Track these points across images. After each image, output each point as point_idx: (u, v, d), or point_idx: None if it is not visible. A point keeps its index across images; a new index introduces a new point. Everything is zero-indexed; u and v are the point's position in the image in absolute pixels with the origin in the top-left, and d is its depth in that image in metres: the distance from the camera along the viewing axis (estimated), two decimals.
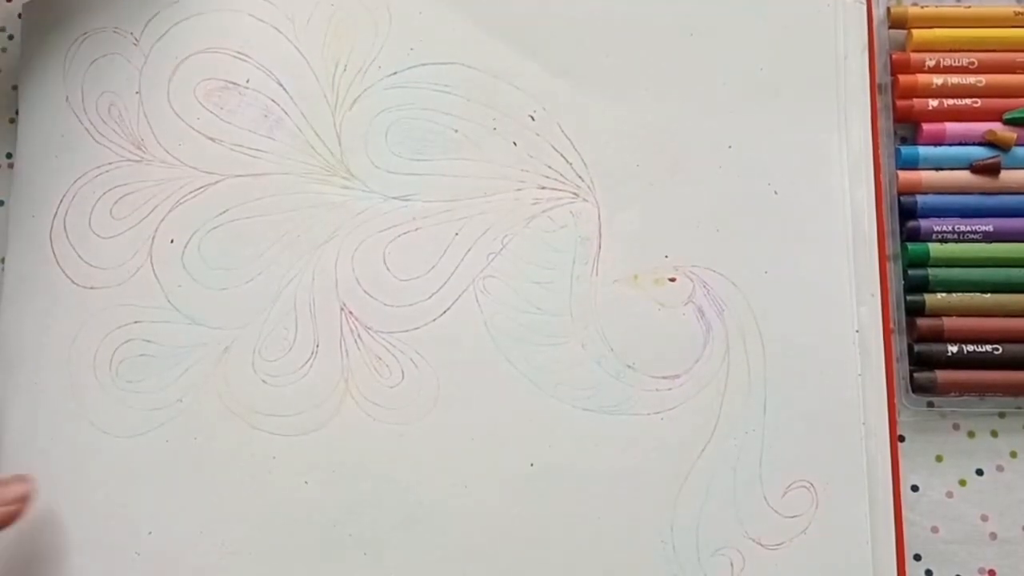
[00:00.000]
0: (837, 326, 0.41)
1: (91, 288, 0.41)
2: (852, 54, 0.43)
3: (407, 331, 0.40)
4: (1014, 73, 0.47)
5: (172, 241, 0.41)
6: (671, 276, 0.41)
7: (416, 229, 0.41)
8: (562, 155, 0.42)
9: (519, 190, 0.42)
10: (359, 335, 0.40)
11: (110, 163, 0.41)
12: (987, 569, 0.43)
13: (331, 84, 0.42)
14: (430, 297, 0.41)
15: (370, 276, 0.41)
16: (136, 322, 0.40)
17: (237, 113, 0.42)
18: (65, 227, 0.41)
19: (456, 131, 0.42)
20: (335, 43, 0.42)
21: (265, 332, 0.40)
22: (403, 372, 0.40)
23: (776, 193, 0.42)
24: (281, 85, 0.42)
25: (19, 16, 0.44)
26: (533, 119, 0.42)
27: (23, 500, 0.37)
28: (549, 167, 0.42)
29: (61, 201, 0.41)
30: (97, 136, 0.42)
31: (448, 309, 0.41)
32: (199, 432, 0.40)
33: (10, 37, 0.45)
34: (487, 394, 0.40)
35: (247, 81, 0.42)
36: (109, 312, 0.40)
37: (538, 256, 0.41)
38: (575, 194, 0.42)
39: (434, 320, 0.41)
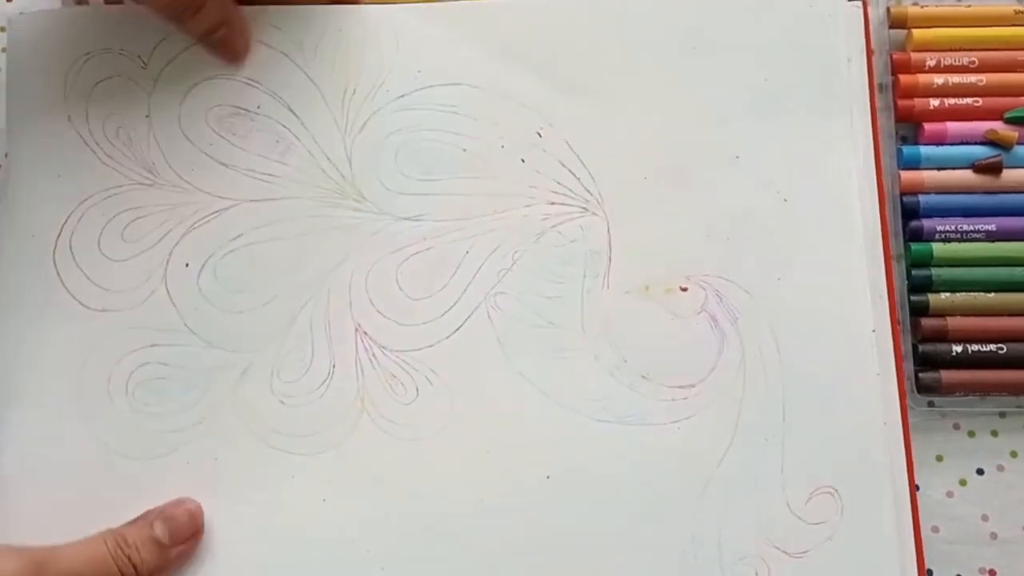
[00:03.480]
0: (854, 327, 0.42)
1: (103, 311, 0.40)
2: (855, 57, 0.44)
3: (421, 349, 0.41)
4: (1015, 72, 0.48)
5: (187, 265, 0.41)
6: (683, 285, 0.42)
7: (427, 249, 0.42)
8: (570, 170, 0.43)
9: (528, 206, 0.43)
10: (374, 354, 0.41)
11: (119, 186, 0.41)
12: (987, 569, 0.44)
13: (341, 108, 0.43)
14: (443, 315, 0.41)
15: (383, 296, 0.41)
16: (153, 345, 0.40)
17: (249, 139, 0.42)
18: (71, 249, 0.41)
19: (464, 150, 0.43)
20: (344, 68, 0.43)
21: (282, 354, 0.41)
22: (418, 389, 0.41)
23: (786, 200, 0.43)
24: (291, 111, 0.42)
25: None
26: (540, 136, 0.43)
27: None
28: (557, 182, 0.43)
29: (66, 222, 0.41)
30: (104, 158, 0.42)
31: (461, 326, 0.41)
32: (218, 453, 0.40)
33: None
34: (501, 408, 0.41)
35: (258, 107, 0.42)
36: (123, 335, 0.40)
37: (549, 271, 0.42)
38: (584, 208, 0.43)
39: (447, 337, 0.41)
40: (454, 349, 0.41)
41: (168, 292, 0.41)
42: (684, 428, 0.41)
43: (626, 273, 0.42)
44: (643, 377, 0.41)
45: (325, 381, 0.41)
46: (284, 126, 0.42)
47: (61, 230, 0.41)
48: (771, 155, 0.44)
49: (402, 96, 0.43)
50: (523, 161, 0.43)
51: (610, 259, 0.42)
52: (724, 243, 0.43)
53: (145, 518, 0.38)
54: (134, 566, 0.37)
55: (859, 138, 0.44)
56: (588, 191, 0.43)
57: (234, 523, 0.39)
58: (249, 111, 0.42)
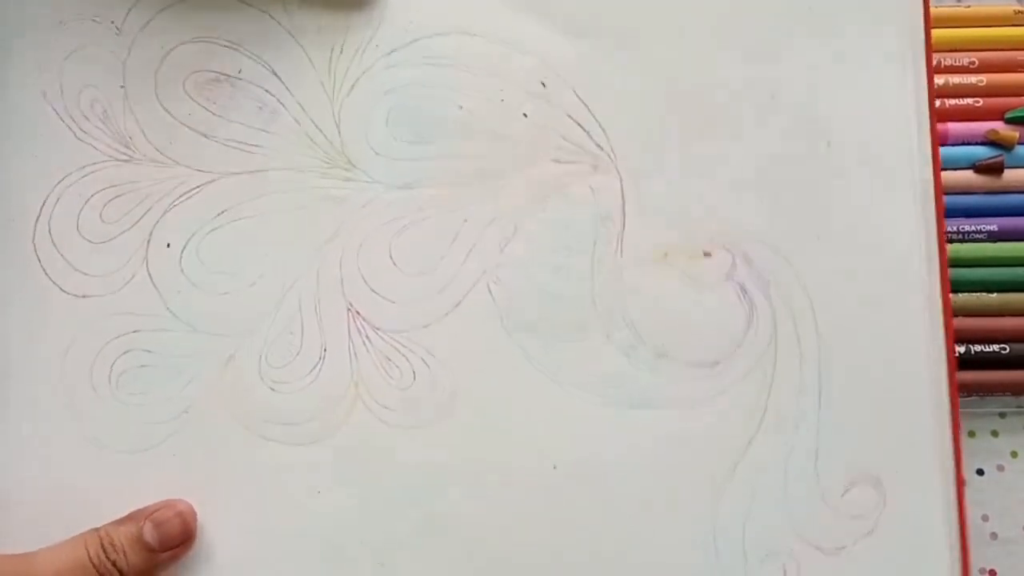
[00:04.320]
0: (903, 297, 0.37)
1: (83, 296, 0.38)
2: None
3: (417, 329, 0.38)
4: (1015, 72, 0.48)
5: (168, 245, 0.38)
6: (706, 250, 0.38)
7: (423, 219, 0.39)
8: (578, 123, 0.39)
9: (532, 166, 0.39)
10: (367, 336, 0.38)
11: (96, 163, 0.39)
12: (987, 569, 0.44)
13: (328, 69, 0.39)
14: (440, 292, 0.38)
15: (376, 273, 0.38)
16: (135, 332, 0.38)
17: (230, 106, 0.39)
18: (51, 232, 0.39)
19: (461, 107, 0.39)
20: (331, 24, 0.39)
21: (271, 337, 0.38)
22: (414, 373, 0.38)
23: (828, 145, 0.38)
24: (275, 74, 0.39)
25: None
26: (544, 86, 0.39)
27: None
28: (564, 138, 0.39)
29: (44, 204, 0.39)
30: (80, 134, 0.39)
31: (459, 304, 0.38)
32: (206, 444, 0.38)
33: None
34: (504, 393, 0.38)
35: (239, 72, 0.39)
36: (105, 322, 0.38)
37: (555, 240, 0.38)
38: (594, 166, 0.39)
39: (445, 316, 0.38)
40: (452, 328, 0.38)
41: (149, 274, 0.38)
42: (705, 412, 0.37)
43: (642, 239, 0.38)
44: (660, 356, 0.38)
45: (317, 366, 0.38)
46: (268, 91, 0.39)
47: (40, 213, 0.39)
48: (812, 92, 0.39)
49: (393, 51, 0.39)
50: (525, 116, 0.39)
51: (624, 223, 0.38)
52: (755, 197, 0.38)
53: (134, 518, 0.36)
54: (119, 571, 0.35)
55: (918, 71, 0.39)
56: (599, 146, 0.39)
57: (224, 516, 0.37)
58: (230, 76, 0.39)
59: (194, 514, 0.37)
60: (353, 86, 0.39)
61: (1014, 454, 0.45)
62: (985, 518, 0.44)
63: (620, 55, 0.39)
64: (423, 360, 0.38)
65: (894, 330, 0.37)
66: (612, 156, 0.39)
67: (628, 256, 0.38)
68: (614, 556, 0.37)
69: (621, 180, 0.39)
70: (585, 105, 0.39)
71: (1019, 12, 0.48)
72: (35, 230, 0.39)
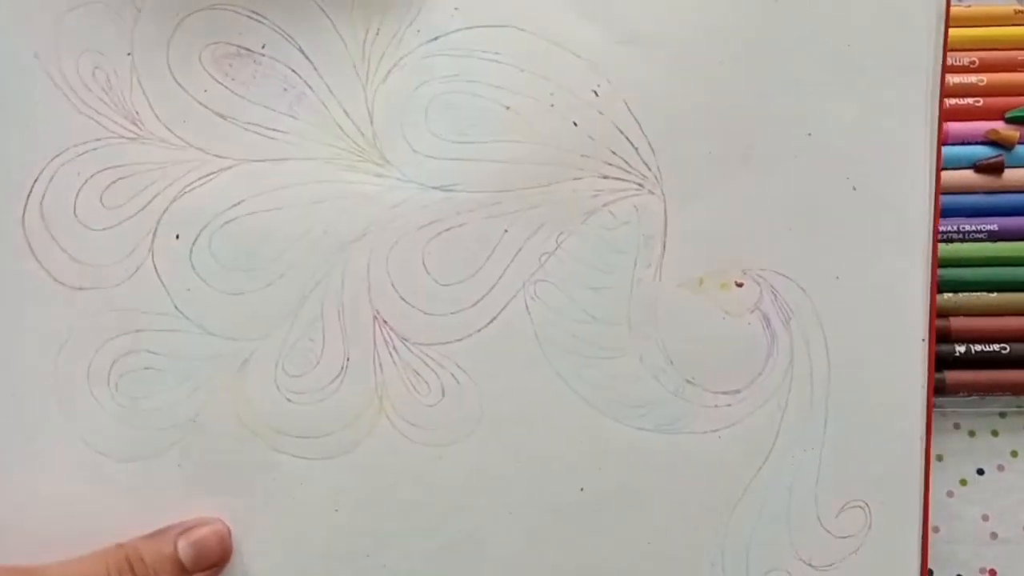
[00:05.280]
0: (906, 335, 0.38)
1: (80, 289, 0.35)
2: (934, 22, 0.38)
3: (449, 343, 0.36)
4: (1015, 72, 0.48)
5: (178, 237, 0.35)
6: (738, 280, 0.37)
7: (460, 225, 0.36)
8: (627, 138, 0.37)
9: (577, 179, 0.37)
10: (395, 347, 0.36)
11: (98, 139, 0.35)
12: (988, 569, 0.44)
13: (362, 52, 0.36)
14: (475, 304, 0.36)
15: (407, 280, 0.36)
16: (138, 331, 0.35)
17: (251, 85, 0.35)
18: (43, 215, 0.34)
19: (508, 108, 0.36)
20: (366, 2, 0.36)
21: (288, 343, 0.35)
22: (443, 389, 0.36)
23: (855, 189, 0.38)
24: (303, 52, 0.35)
25: None
26: (596, 94, 0.37)
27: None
28: (613, 152, 0.37)
29: (36, 182, 0.35)
30: (80, 105, 0.35)
31: (495, 318, 0.36)
32: (216, 454, 0.35)
33: None
34: (535, 413, 0.36)
35: (263, 47, 0.35)
36: (104, 317, 0.35)
37: (596, 257, 0.37)
38: (640, 185, 0.37)
39: (479, 331, 0.36)
40: (486, 344, 0.36)
41: (156, 268, 0.35)
42: (724, 437, 0.37)
43: (681, 263, 0.37)
44: (688, 382, 0.37)
45: (338, 376, 0.35)
46: (294, 71, 0.35)
47: (31, 192, 0.34)
48: (845, 134, 0.38)
49: (435, 39, 0.36)
50: (575, 124, 0.37)
51: (664, 246, 0.37)
52: (786, 233, 0.38)
53: (165, 535, 0.34)
54: None
55: (930, 123, 0.38)
56: (646, 164, 0.37)
57: (235, 533, 0.35)
58: (252, 51, 0.35)
59: (230, 532, 0.35)
60: (389, 72, 0.36)
61: (1014, 454, 0.45)
62: (985, 518, 0.44)
63: (675, 73, 0.37)
64: (453, 376, 0.36)
65: (894, 368, 0.38)
66: (659, 177, 0.37)
67: (666, 280, 0.37)
68: (628, 571, 0.37)
69: (665, 202, 0.37)
70: (636, 120, 0.37)
71: (1019, 12, 0.48)
72: (25, 210, 0.34)
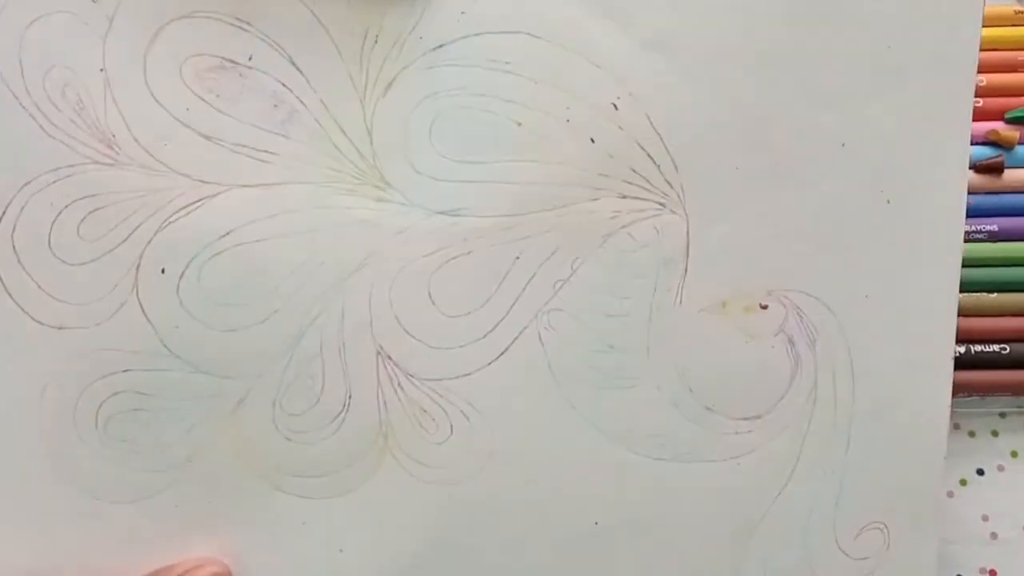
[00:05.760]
0: (935, 357, 0.36)
1: (60, 328, 0.32)
2: (971, 27, 0.35)
3: (457, 378, 0.34)
4: (1015, 72, 0.47)
5: (163, 271, 0.32)
6: (763, 302, 0.35)
7: (468, 252, 0.33)
8: (649, 154, 0.34)
9: (595, 200, 0.34)
10: (399, 383, 0.34)
11: (71, 165, 0.31)
12: (988, 569, 0.44)
13: (358, 61, 0.32)
14: (484, 336, 0.34)
15: (411, 312, 0.33)
16: (125, 371, 0.32)
17: (238, 102, 0.32)
18: (15, 249, 0.32)
19: (519, 124, 0.33)
20: (364, 6, 0.32)
21: (286, 382, 0.33)
22: (452, 426, 0.34)
23: (889, 202, 0.35)
24: (293, 63, 0.32)
25: None
26: (616, 108, 0.34)
27: None
28: (633, 170, 0.34)
29: (5, 214, 0.32)
30: (49, 128, 0.31)
31: (506, 350, 0.34)
32: (214, 494, 0.33)
33: None
34: (549, 446, 0.35)
35: (250, 58, 0.32)
36: (88, 358, 0.32)
37: (614, 283, 0.34)
38: (661, 204, 0.34)
39: (489, 364, 0.34)
40: (497, 378, 0.34)
41: (141, 305, 0.32)
42: (744, 464, 0.36)
43: (703, 287, 0.35)
44: (708, 409, 0.35)
45: (340, 415, 0.33)
46: (284, 85, 0.32)
47: None
48: (882, 143, 0.35)
49: (440, 47, 0.33)
50: (593, 141, 0.34)
51: (686, 269, 0.35)
52: (814, 251, 0.35)
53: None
54: None
55: (965, 128, 0.36)
56: (668, 183, 0.34)
57: (235, 574, 0.34)
58: (238, 64, 0.32)
59: (231, 574, 0.33)
60: (390, 85, 0.33)
61: (1014, 454, 0.45)
62: (985, 518, 0.44)
63: (699, 82, 0.34)
64: (462, 412, 0.34)
65: (923, 388, 0.36)
66: (681, 195, 0.34)
67: (687, 305, 0.35)
68: None
69: (688, 222, 0.34)
70: (659, 135, 0.34)
71: (1019, 12, 0.48)
72: None
